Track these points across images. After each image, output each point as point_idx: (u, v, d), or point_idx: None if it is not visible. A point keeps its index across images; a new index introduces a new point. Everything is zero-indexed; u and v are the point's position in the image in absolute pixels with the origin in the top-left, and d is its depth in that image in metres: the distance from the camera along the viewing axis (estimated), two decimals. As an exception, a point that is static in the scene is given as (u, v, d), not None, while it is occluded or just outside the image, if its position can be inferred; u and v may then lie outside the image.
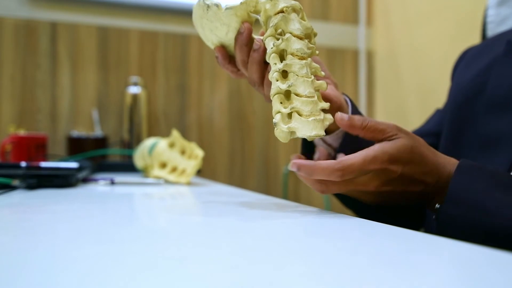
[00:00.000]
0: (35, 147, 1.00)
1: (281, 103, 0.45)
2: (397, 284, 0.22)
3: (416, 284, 0.22)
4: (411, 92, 1.53)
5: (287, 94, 0.45)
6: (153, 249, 0.28)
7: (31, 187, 0.64)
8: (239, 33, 0.49)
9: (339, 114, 0.46)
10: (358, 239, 0.33)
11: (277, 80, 0.45)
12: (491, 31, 0.78)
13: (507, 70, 0.57)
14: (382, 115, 1.69)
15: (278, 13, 0.46)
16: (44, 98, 1.36)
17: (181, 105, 1.50)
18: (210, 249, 0.29)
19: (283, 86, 0.44)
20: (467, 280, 0.23)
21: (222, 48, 0.52)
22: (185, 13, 1.50)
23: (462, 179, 0.43)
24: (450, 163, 0.46)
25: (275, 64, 0.45)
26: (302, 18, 0.47)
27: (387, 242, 0.33)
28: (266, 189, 1.57)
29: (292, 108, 0.44)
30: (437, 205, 0.44)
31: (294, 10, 0.46)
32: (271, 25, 0.46)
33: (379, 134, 0.45)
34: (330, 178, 0.43)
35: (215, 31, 0.50)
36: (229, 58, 0.53)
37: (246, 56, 0.50)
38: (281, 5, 0.46)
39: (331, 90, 0.53)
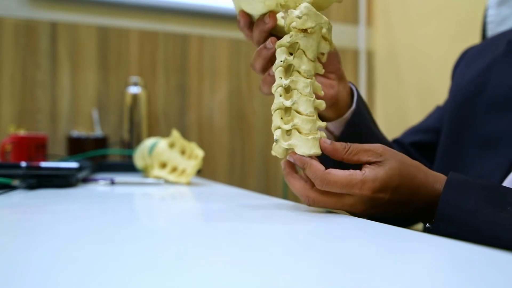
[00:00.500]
0: (35, 147, 1.00)
1: (281, 118, 0.45)
2: (397, 284, 0.22)
3: (416, 284, 0.22)
4: (411, 92, 1.53)
5: (287, 109, 0.45)
6: (153, 249, 0.28)
7: (31, 187, 0.64)
8: (262, 21, 0.48)
9: (322, 140, 0.45)
10: (358, 239, 0.33)
11: (280, 96, 0.45)
12: (491, 31, 0.78)
13: (507, 70, 0.57)
14: (382, 115, 1.69)
15: (302, 29, 0.44)
16: (44, 98, 1.36)
17: (181, 105, 1.50)
18: (210, 249, 0.29)
19: (287, 103, 0.44)
20: (467, 280, 0.23)
21: (246, 14, 0.50)
22: (185, 13, 1.50)
23: (451, 196, 0.42)
24: (439, 180, 0.45)
25: (281, 78, 0.45)
26: (325, 36, 0.46)
27: (387, 242, 0.33)
28: (266, 189, 1.57)
29: (293, 125, 0.44)
30: (427, 225, 0.44)
31: (321, 28, 0.45)
32: (288, 39, 0.45)
33: (364, 155, 0.44)
34: (313, 180, 0.43)
35: (240, 2, 0.49)
36: (250, 24, 0.51)
37: (262, 39, 0.49)
38: (308, 25, 0.44)
39: (328, 88, 0.53)
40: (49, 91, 1.37)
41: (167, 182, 0.80)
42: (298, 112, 0.44)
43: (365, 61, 1.72)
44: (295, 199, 1.73)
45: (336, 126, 0.56)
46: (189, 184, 0.78)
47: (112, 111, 1.42)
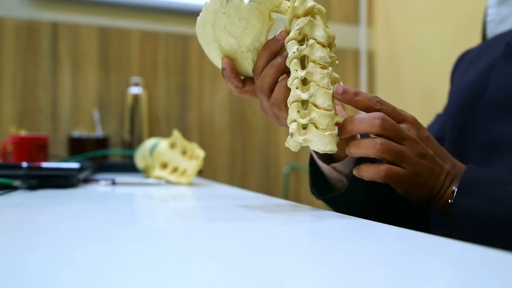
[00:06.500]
0: (36, 147, 1.00)
1: (297, 112, 0.43)
2: (397, 284, 0.22)
3: (416, 285, 0.22)
4: (411, 92, 1.53)
5: (304, 102, 0.44)
6: (154, 250, 0.28)
7: (32, 187, 0.64)
8: (275, 40, 0.46)
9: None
10: (358, 240, 0.33)
11: (297, 88, 0.43)
12: (491, 30, 0.78)
13: (506, 72, 0.57)
14: (383, 115, 1.68)
15: (306, 12, 0.44)
16: (45, 99, 1.36)
17: (182, 105, 1.50)
18: (211, 250, 0.29)
19: (304, 96, 0.43)
20: (467, 281, 0.23)
21: (231, 59, 0.49)
22: (186, 14, 1.50)
23: (473, 172, 0.45)
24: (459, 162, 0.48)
25: (296, 70, 0.43)
26: (325, 25, 0.46)
27: (388, 242, 0.33)
28: (267, 189, 1.57)
29: (310, 120, 0.42)
30: (454, 188, 0.45)
31: (320, 12, 0.45)
32: (296, 27, 0.44)
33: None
34: (370, 102, 0.45)
35: (230, 28, 0.46)
36: (236, 71, 0.50)
37: (267, 64, 0.48)
38: (310, 4, 0.44)
39: (340, 113, 0.53)
40: (50, 91, 1.37)
41: (168, 182, 0.80)
42: (316, 106, 0.43)
43: (366, 61, 1.72)
44: (296, 199, 1.72)
45: (345, 165, 0.54)
46: (190, 184, 0.78)
47: (113, 112, 1.42)
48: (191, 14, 1.50)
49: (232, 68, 0.49)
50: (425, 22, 1.48)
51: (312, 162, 0.58)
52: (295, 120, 0.43)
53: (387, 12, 1.68)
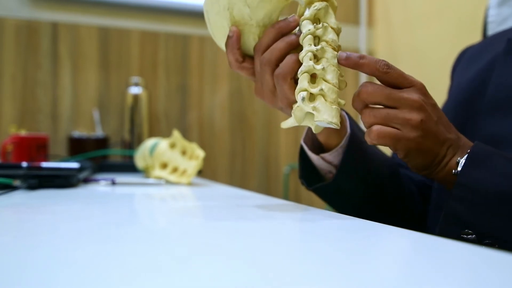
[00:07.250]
0: (36, 147, 1.00)
1: (308, 82, 0.44)
2: (396, 284, 0.22)
3: (416, 285, 0.22)
4: (412, 92, 1.53)
5: (312, 77, 0.44)
6: (154, 250, 0.28)
7: (32, 187, 0.64)
8: (287, 21, 0.47)
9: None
10: (358, 240, 0.33)
11: (310, 60, 0.44)
12: (492, 31, 0.78)
13: (508, 69, 0.57)
14: (383, 116, 1.69)
15: None
16: (45, 99, 1.36)
17: (182, 105, 1.50)
18: (211, 250, 0.29)
19: (318, 67, 0.44)
20: (467, 281, 0.23)
21: (239, 30, 0.48)
22: (186, 14, 1.50)
23: (483, 147, 0.44)
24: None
25: (310, 45, 0.45)
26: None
27: (387, 242, 0.33)
28: (267, 190, 1.57)
29: (320, 90, 0.43)
30: (459, 159, 0.45)
31: (333, 5, 0.47)
32: (314, 7, 0.45)
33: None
34: (377, 65, 0.44)
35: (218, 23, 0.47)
36: (240, 43, 0.49)
37: (273, 42, 0.47)
38: None
39: None
40: (50, 91, 1.37)
41: (168, 182, 0.80)
42: (325, 80, 0.44)
43: (366, 61, 1.72)
44: (296, 199, 1.71)
45: (334, 155, 0.55)
46: (190, 184, 0.78)
47: (113, 112, 1.42)
48: (191, 14, 1.50)
49: (239, 38, 0.48)
50: (425, 22, 1.48)
51: (302, 153, 0.58)
52: (305, 90, 0.44)
53: (387, 12, 1.68)
